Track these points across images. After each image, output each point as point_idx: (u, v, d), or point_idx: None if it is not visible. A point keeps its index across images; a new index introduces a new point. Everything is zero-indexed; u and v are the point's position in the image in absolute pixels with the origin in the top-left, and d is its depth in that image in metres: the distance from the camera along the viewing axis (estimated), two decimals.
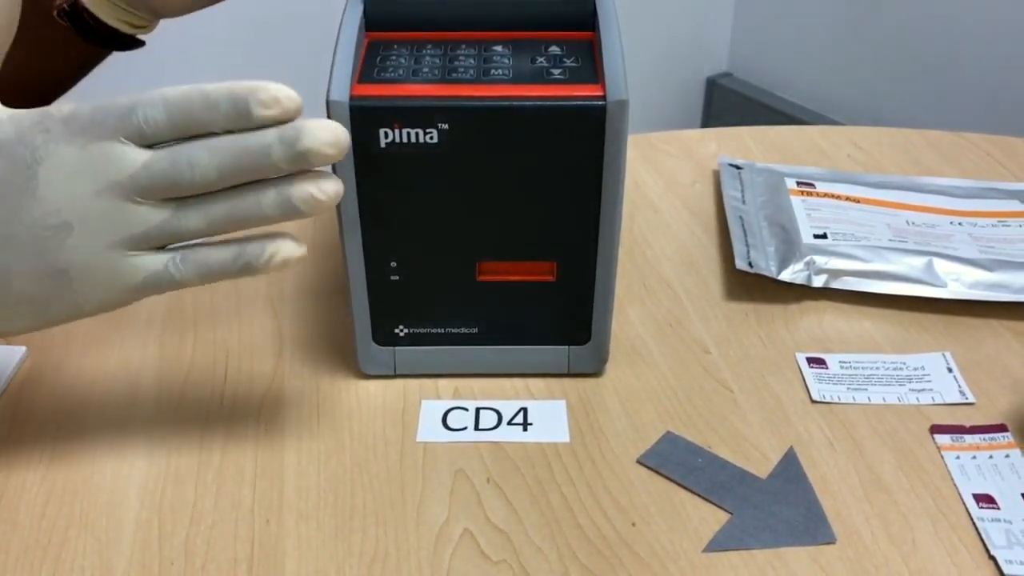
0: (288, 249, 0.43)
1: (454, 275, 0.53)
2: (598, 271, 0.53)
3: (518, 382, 0.57)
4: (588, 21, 0.53)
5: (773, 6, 2.03)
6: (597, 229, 0.52)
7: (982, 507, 0.49)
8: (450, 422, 0.54)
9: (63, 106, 0.42)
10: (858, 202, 0.72)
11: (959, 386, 0.57)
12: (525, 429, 0.54)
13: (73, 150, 0.41)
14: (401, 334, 0.55)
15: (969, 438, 0.53)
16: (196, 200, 0.42)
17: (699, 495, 0.50)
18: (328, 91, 0.48)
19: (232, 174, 0.41)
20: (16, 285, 0.43)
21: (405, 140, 0.48)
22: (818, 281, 0.63)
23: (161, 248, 0.43)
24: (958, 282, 0.63)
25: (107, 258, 0.42)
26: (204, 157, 0.41)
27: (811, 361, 0.59)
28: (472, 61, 0.50)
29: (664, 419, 0.54)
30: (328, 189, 0.42)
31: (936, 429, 0.54)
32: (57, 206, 0.41)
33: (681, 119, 2.17)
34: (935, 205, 0.72)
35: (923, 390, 0.56)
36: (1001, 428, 0.54)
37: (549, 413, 0.55)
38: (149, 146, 0.41)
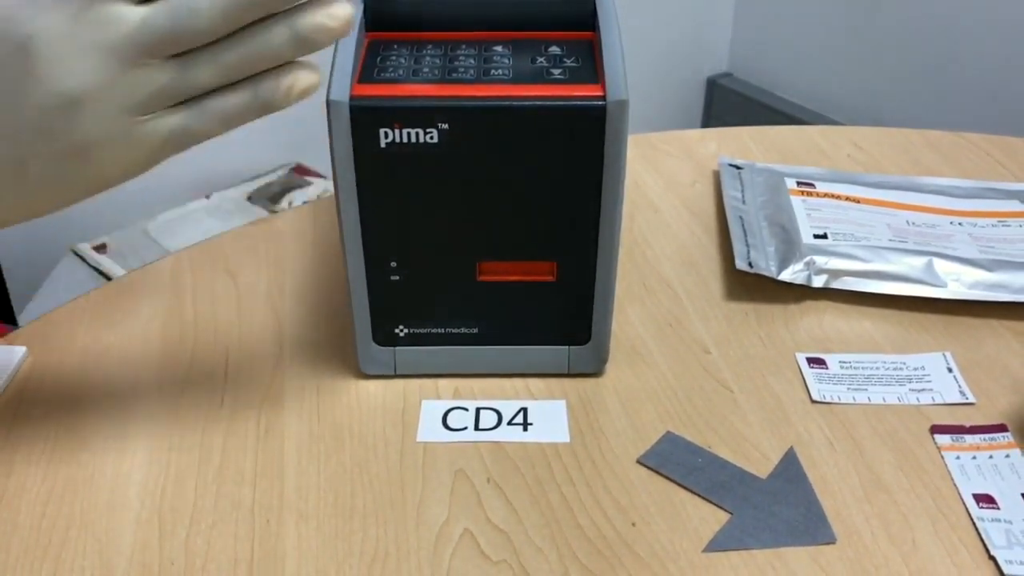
0: (305, 78, 0.41)
1: (454, 275, 0.53)
2: (598, 271, 0.53)
3: (518, 382, 0.57)
4: (588, 21, 0.53)
5: (773, 6, 2.03)
6: (597, 229, 0.52)
7: (982, 507, 0.49)
8: (450, 422, 0.54)
9: None
10: (858, 202, 0.72)
11: (959, 386, 0.57)
12: (525, 429, 0.54)
13: (65, 19, 0.39)
14: (401, 334, 0.55)
15: (969, 438, 0.53)
16: (202, 50, 0.40)
17: (699, 495, 0.50)
18: (328, 91, 0.48)
19: (236, 16, 0.39)
20: (34, 172, 0.41)
21: (405, 140, 0.48)
22: (818, 281, 0.63)
23: (176, 104, 0.41)
24: (958, 282, 0.63)
25: (122, 127, 0.41)
26: (204, 3, 0.39)
27: (811, 361, 0.59)
28: (472, 61, 0.50)
29: (664, 419, 0.54)
30: (339, 13, 0.40)
31: (936, 429, 0.54)
32: (60, 84, 0.39)
33: (681, 119, 2.17)
34: (935, 205, 0.72)
35: (923, 390, 0.56)
36: (1001, 428, 0.54)
37: (549, 413, 0.55)
38: (144, 1, 0.39)
